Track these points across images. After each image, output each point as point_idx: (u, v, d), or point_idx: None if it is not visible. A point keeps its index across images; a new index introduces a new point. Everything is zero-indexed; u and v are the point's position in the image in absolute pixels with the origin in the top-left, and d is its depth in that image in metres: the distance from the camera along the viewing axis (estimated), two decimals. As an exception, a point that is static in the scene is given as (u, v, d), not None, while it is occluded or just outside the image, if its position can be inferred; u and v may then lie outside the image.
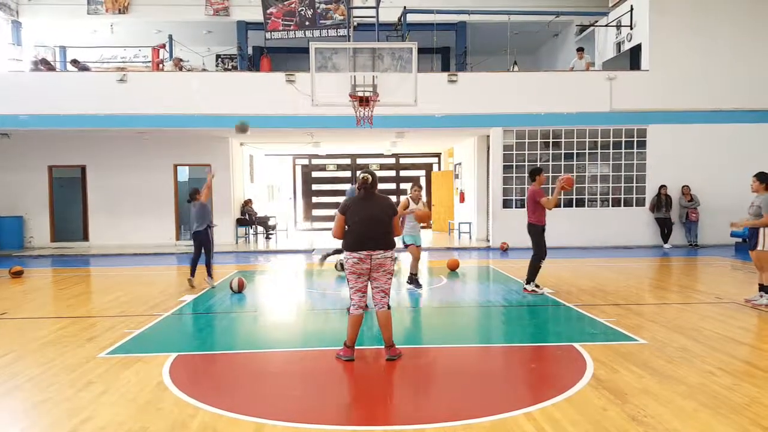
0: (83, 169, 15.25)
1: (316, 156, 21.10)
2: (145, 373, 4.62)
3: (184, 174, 15.81)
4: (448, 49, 17.71)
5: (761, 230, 6.69)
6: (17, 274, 10.07)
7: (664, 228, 13.80)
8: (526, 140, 14.16)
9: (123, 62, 16.51)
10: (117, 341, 5.61)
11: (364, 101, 9.77)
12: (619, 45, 14.85)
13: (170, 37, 15.88)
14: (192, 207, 8.56)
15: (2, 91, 13.13)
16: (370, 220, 4.80)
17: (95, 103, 13.21)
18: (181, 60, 14.61)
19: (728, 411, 3.69)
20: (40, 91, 13.19)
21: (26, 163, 14.93)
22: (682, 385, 4.19)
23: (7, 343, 5.61)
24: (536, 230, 7.68)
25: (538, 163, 13.84)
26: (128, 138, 14.72)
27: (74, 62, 14.48)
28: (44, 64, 14.34)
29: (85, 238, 15.31)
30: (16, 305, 7.63)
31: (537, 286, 7.85)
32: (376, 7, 13.15)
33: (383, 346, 4.95)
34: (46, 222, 15.18)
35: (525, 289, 7.91)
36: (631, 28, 14.19)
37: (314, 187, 21.55)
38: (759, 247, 6.70)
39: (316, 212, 21.44)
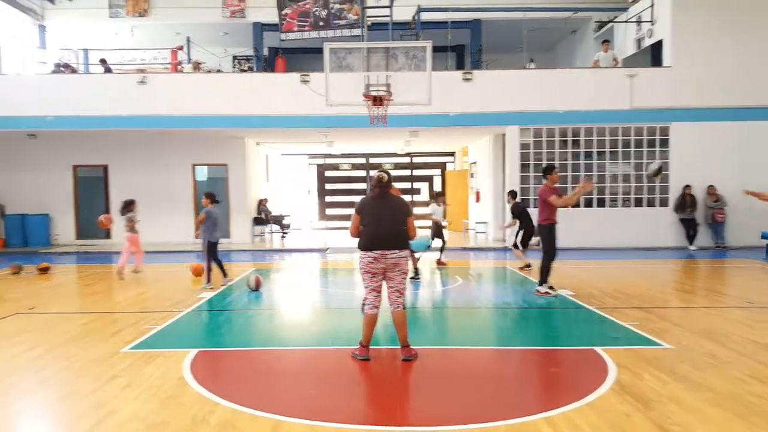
0: (105, 168, 15.61)
1: (330, 155, 21.22)
2: (167, 368, 4.74)
3: (202, 173, 16.08)
4: (462, 47, 17.63)
5: None
6: (44, 270, 10.41)
7: (690, 229, 13.36)
8: (544, 139, 13.95)
9: (143, 64, 16.83)
10: (139, 336, 5.77)
11: (378, 101, 9.80)
12: (639, 41, 14.53)
13: (188, 39, 16.17)
14: (215, 211, 8.54)
15: (29, 94, 13.52)
16: (384, 219, 4.82)
17: (117, 105, 13.51)
18: (199, 63, 14.88)
19: (760, 420, 3.57)
20: (64, 93, 13.54)
21: (52, 162, 15.36)
22: (710, 392, 4.05)
23: (36, 337, 5.82)
24: (545, 230, 7.49)
25: (556, 162, 13.69)
26: (148, 138, 15.03)
27: (102, 62, 14.85)
28: (66, 68, 14.71)
29: (108, 235, 15.67)
30: (44, 300, 7.88)
31: (551, 287, 7.68)
32: (390, 6, 13.18)
33: (399, 347, 4.94)
34: (71, 220, 15.60)
35: (538, 291, 7.73)
36: (652, 24, 13.87)
37: (328, 186, 21.66)
38: None
39: (330, 211, 21.56)
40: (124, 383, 4.39)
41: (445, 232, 11.06)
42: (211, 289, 8.43)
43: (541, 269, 7.64)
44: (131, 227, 10.08)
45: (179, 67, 15.45)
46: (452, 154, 21.63)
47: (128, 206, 10.14)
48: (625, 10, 15.03)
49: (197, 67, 14.62)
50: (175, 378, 4.49)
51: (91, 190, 15.80)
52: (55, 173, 15.38)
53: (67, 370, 4.75)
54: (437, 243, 10.79)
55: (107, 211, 15.59)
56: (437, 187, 20.94)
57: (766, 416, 3.64)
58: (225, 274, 8.85)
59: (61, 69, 14.50)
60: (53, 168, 15.38)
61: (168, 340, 5.77)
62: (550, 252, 7.54)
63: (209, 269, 8.53)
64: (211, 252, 8.51)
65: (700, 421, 3.56)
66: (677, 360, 4.80)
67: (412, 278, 8.49)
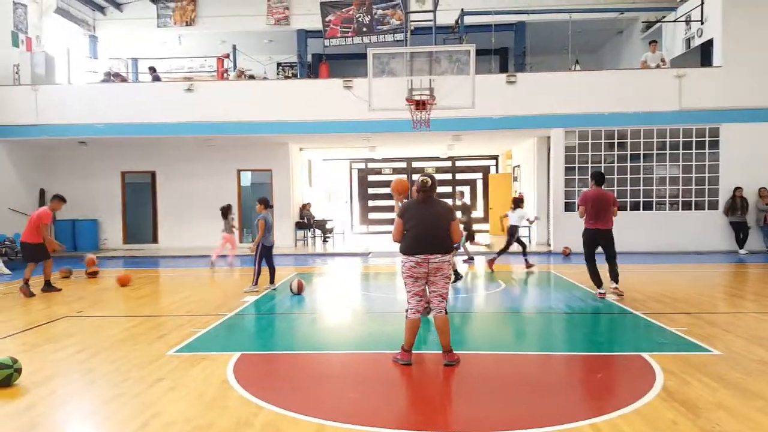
0: (153, 174, 16.05)
1: (372, 160, 21.25)
2: (211, 371, 4.74)
3: (246, 179, 16.32)
4: (506, 49, 17.40)
5: None
6: (93, 275, 10.70)
7: (740, 232, 13.03)
8: (590, 141, 13.68)
9: (190, 72, 17.29)
10: (184, 340, 5.81)
11: (420, 105, 9.74)
12: (688, 41, 14.14)
13: (234, 47, 16.49)
14: (270, 216, 8.71)
15: (80, 102, 14.04)
16: (427, 223, 4.77)
17: (164, 112, 13.89)
18: (243, 71, 15.16)
19: None
20: (113, 102, 14.01)
21: (101, 169, 15.90)
22: (761, 400, 3.93)
23: (83, 340, 5.92)
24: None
25: (602, 165, 13.40)
26: (194, 145, 15.37)
27: (152, 69, 15.30)
28: (117, 77, 15.23)
29: (155, 240, 16.09)
30: (91, 304, 8.07)
31: (602, 290, 7.69)
32: (434, 11, 13.09)
33: (441, 351, 4.89)
34: (119, 225, 16.10)
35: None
36: (702, 23, 13.46)
37: (370, 191, 21.71)
38: None
39: (372, 216, 21.59)
40: (169, 386, 4.40)
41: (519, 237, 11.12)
42: (256, 291, 8.49)
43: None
44: (229, 228, 11.44)
45: (225, 74, 15.77)
46: (495, 157, 21.33)
47: (228, 211, 11.42)
48: (673, 9, 14.60)
49: (241, 75, 14.87)
50: (220, 381, 4.50)
51: (139, 195, 16.28)
52: (104, 179, 15.91)
53: (113, 373, 4.79)
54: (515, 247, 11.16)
55: (155, 216, 16.05)
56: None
57: None
58: (272, 281, 8.88)
59: (111, 78, 15.01)
60: (102, 174, 15.91)
61: (212, 344, 5.79)
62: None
63: (258, 272, 8.64)
64: (266, 256, 8.67)
65: (750, 430, 3.45)
66: (726, 366, 4.67)
67: (454, 281, 8.37)
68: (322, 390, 4.33)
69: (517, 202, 11.00)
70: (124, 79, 15.64)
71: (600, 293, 7.68)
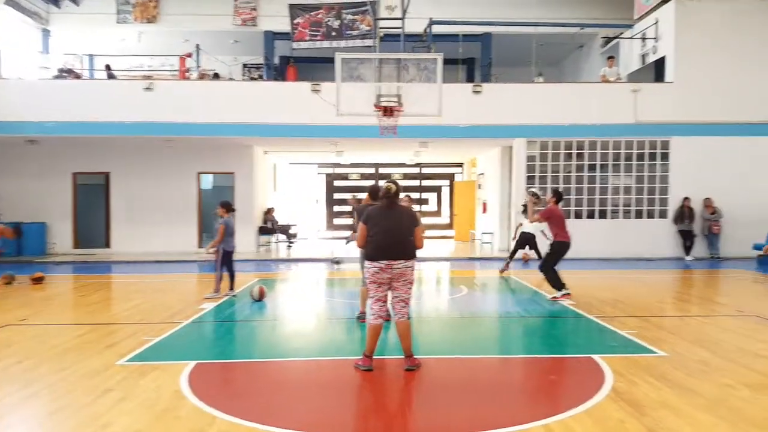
0: (107, 176, 15.40)
1: (339, 165, 21.12)
2: (164, 380, 4.56)
3: (207, 181, 15.89)
4: (473, 59, 17.64)
5: None
6: (38, 281, 10.06)
7: (687, 240, 13.64)
8: (550, 151, 14.00)
9: (150, 71, 16.74)
10: (136, 349, 5.55)
11: (388, 111, 9.70)
12: (643, 57, 14.68)
13: (197, 46, 16.08)
14: (232, 220, 8.49)
15: (30, 99, 13.36)
16: (391, 229, 4.81)
17: (121, 111, 13.37)
18: (205, 72, 14.80)
19: (747, 425, 3.65)
20: (66, 99, 13.39)
21: (51, 169, 15.13)
22: (701, 398, 4.16)
23: (26, 350, 5.57)
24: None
25: (560, 174, 13.81)
26: (153, 145, 14.86)
27: (107, 67, 14.72)
28: (70, 74, 14.59)
29: (108, 245, 15.43)
30: (36, 311, 7.62)
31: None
32: (402, 18, 13.11)
33: (402, 356, 4.92)
34: (68, 228, 15.34)
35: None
36: (656, 41, 14.02)
37: (337, 195, 21.56)
38: None
39: (338, 221, 21.42)
40: (119, 396, 4.20)
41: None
42: (217, 298, 8.24)
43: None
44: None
45: (187, 74, 15.35)
46: (461, 165, 21.57)
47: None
48: (630, 26, 15.16)
49: (203, 75, 14.51)
50: (172, 390, 4.33)
51: (91, 198, 15.57)
52: (53, 180, 15.13)
53: (58, 384, 4.52)
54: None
55: (108, 220, 15.40)
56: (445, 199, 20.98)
57: (753, 421, 3.74)
58: (232, 287, 8.62)
59: (64, 74, 14.37)
60: (52, 175, 15.12)
61: (166, 352, 5.55)
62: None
63: (220, 278, 8.42)
64: (226, 261, 8.44)
65: (690, 426, 3.65)
66: (671, 367, 4.91)
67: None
68: (281, 398, 4.25)
69: (525, 211, 11.22)
70: (78, 76, 14.99)
71: (567, 293, 7.95)
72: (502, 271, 10.97)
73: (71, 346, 5.71)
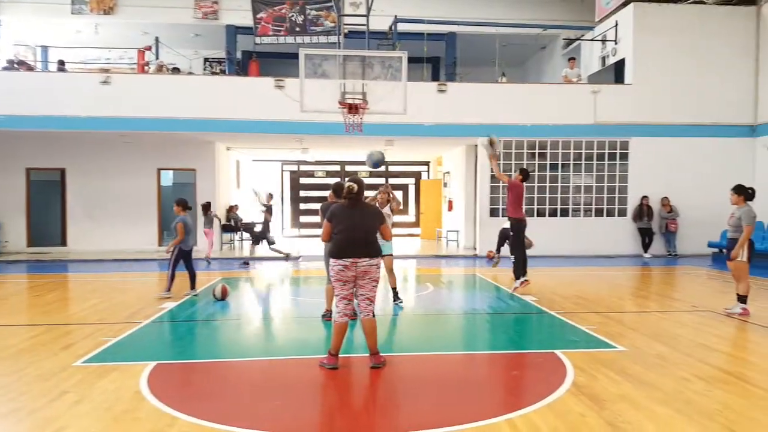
0: (62, 172, 14.89)
1: (305, 162, 20.97)
2: (122, 382, 4.45)
3: (168, 178, 15.53)
4: (438, 59, 17.77)
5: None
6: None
7: (645, 238, 14.05)
8: (513, 151, 14.22)
9: (107, 64, 16.23)
10: (94, 349, 5.41)
11: (353, 108, 9.70)
12: (603, 59, 15.06)
13: (157, 40, 15.68)
14: (189, 218, 8.32)
15: (-22, 91, 12.77)
16: (355, 228, 4.82)
17: (77, 105, 12.92)
18: (163, 65, 14.45)
19: (701, 417, 3.77)
20: (17, 91, 12.82)
21: (2, 165, 14.51)
22: (658, 391, 4.26)
23: (-24, 351, 5.35)
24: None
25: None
26: (111, 141, 14.43)
27: (60, 63, 14.20)
28: (22, 65, 14.01)
29: (64, 243, 14.92)
30: (-12, 311, 7.33)
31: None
32: (367, 15, 13.12)
33: (368, 354, 4.93)
34: (22, 226, 14.75)
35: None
36: (616, 43, 14.41)
37: (302, 193, 21.39)
38: (738, 258, 6.83)
39: (303, 219, 21.26)
40: (74, 399, 4.08)
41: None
42: (169, 297, 8.07)
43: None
44: (210, 223, 12.81)
45: (146, 68, 14.95)
46: (427, 163, 21.70)
47: (208, 207, 12.82)
48: (591, 29, 15.51)
49: (162, 68, 14.15)
50: (132, 392, 4.23)
51: (46, 194, 15.03)
52: (5, 176, 14.52)
53: (12, 386, 4.37)
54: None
55: (64, 217, 14.90)
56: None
57: (707, 413, 3.86)
58: (193, 286, 8.47)
59: (15, 66, 13.78)
60: (3, 170, 14.51)
61: (125, 353, 5.41)
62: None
63: (173, 277, 8.24)
64: (186, 260, 8.29)
65: (648, 419, 3.75)
66: (630, 361, 5.03)
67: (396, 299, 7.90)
68: (244, 398, 4.19)
69: None
70: (30, 68, 14.42)
71: (526, 280, 8.21)
72: (491, 257, 11.78)
73: (25, 347, 5.52)
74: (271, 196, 12.79)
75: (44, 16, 15.78)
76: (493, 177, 14.17)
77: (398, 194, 21.73)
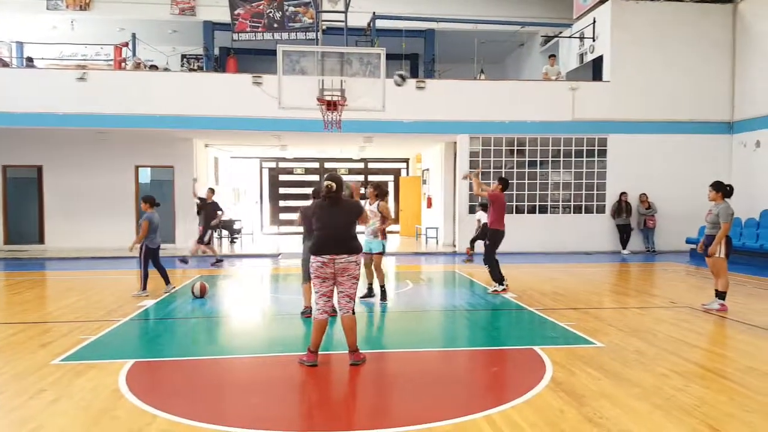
0: (39, 169, 14.69)
1: (284, 159, 20.92)
2: (100, 380, 4.46)
3: (145, 175, 15.41)
4: (416, 55, 17.83)
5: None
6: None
7: (624, 234, 14.23)
8: (492, 147, 14.36)
9: (84, 60, 16.01)
10: (72, 348, 5.41)
11: (331, 105, 9.74)
12: (582, 56, 15.22)
13: (134, 36, 15.52)
14: (156, 216, 8.27)
15: (-48, 87, 12.55)
16: (334, 225, 4.84)
17: (53, 102, 12.78)
18: (140, 62, 14.32)
19: (679, 412, 3.81)
20: (-7, 88, 12.65)
21: (-23, 162, 14.31)
22: (637, 387, 4.30)
23: (-49, 351, 5.33)
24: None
25: (502, 171, 14.15)
26: (88, 138, 14.27)
27: (29, 60, 13.98)
28: (-4, 61, 13.79)
29: (41, 240, 14.74)
30: (-37, 311, 7.27)
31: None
32: (345, 12, 13.14)
33: (347, 351, 4.93)
34: (-2, 224, 14.57)
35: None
36: (594, 40, 14.57)
37: (281, 190, 21.34)
38: (715, 254, 6.82)
39: (282, 216, 21.23)
40: (52, 397, 4.10)
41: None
42: (146, 296, 8.07)
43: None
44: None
45: (123, 64, 14.80)
46: (406, 160, 21.77)
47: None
48: (569, 26, 15.65)
49: (139, 65, 14.02)
50: (110, 390, 4.24)
51: (23, 192, 14.83)
52: (-19, 174, 14.33)
53: (-15, 385, 4.36)
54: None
55: (41, 215, 14.72)
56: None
57: (684, 408, 3.89)
58: (168, 282, 8.48)
59: (-10, 62, 13.56)
60: (-21, 168, 14.33)
61: (103, 351, 5.42)
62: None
63: (146, 276, 8.23)
64: (153, 258, 8.26)
65: (626, 414, 3.78)
66: (608, 357, 5.05)
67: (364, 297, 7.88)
68: (223, 396, 4.22)
69: (482, 207, 11.72)
70: (6, 64, 14.18)
71: (505, 288, 8.23)
72: (467, 252, 12.32)
73: (2, 345, 5.51)
74: (212, 191, 12.15)
75: (19, 11, 15.50)
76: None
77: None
